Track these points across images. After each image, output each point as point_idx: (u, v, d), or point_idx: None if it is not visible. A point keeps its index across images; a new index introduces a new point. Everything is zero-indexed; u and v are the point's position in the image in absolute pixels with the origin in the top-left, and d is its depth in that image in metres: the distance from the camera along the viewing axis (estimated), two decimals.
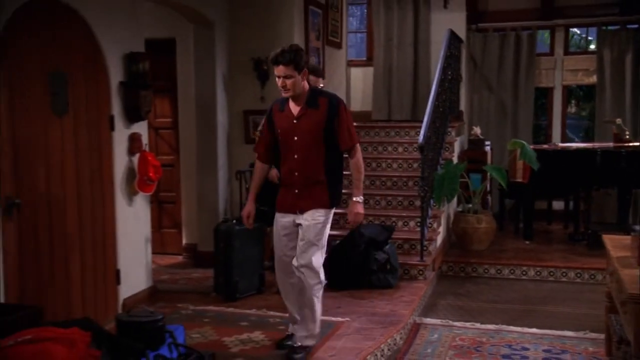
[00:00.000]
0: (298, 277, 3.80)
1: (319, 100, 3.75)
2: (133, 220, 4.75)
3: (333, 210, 3.89)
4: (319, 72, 5.12)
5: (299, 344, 3.87)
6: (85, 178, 4.28)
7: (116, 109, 4.53)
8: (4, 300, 3.58)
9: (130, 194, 4.70)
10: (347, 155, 3.88)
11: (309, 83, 3.83)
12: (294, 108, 3.76)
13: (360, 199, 3.88)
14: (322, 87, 5.05)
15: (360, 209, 3.88)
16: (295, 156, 3.75)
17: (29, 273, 3.83)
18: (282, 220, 3.89)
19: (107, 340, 2.97)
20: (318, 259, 3.80)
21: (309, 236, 3.76)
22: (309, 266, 3.76)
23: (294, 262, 3.80)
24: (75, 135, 4.18)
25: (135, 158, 4.70)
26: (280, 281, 4.02)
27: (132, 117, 4.65)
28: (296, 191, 3.78)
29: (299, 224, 3.81)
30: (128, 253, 4.69)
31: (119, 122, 4.56)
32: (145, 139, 4.82)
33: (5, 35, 3.57)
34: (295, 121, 3.75)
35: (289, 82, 3.64)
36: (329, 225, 3.87)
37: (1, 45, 3.54)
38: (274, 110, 3.87)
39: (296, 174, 3.77)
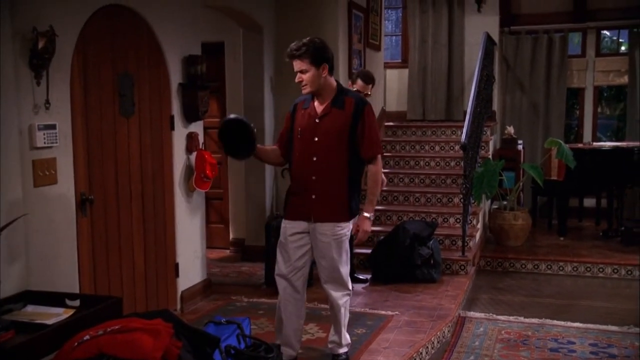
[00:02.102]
0: (328, 294, 3.66)
1: (345, 100, 3.49)
2: (190, 216, 4.94)
3: (351, 222, 3.62)
4: (369, 78, 5.17)
5: (340, 351, 3.80)
6: (148, 176, 4.46)
7: (176, 109, 4.71)
8: (78, 291, 3.78)
9: (188, 191, 4.89)
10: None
11: (338, 82, 3.59)
12: (318, 107, 3.52)
13: (371, 215, 3.59)
14: (369, 94, 5.05)
15: (368, 226, 3.58)
16: (315, 158, 3.49)
17: (99, 266, 4.02)
18: (291, 227, 3.61)
19: (186, 331, 3.09)
20: (346, 271, 3.64)
21: (332, 254, 3.54)
22: (339, 282, 3.63)
23: (322, 281, 3.65)
24: (139, 135, 4.36)
25: (193, 156, 4.88)
26: (286, 300, 3.68)
27: (190, 117, 4.83)
28: (313, 197, 3.52)
29: (312, 233, 3.58)
30: (185, 247, 4.87)
31: (178, 122, 4.73)
32: (201, 138, 5.02)
33: (82, 39, 3.77)
34: (317, 120, 3.49)
35: (304, 76, 3.41)
36: (349, 234, 3.63)
37: (78, 48, 3.73)
38: (298, 106, 3.62)
39: (314, 177, 3.50)
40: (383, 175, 5.20)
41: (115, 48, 4.11)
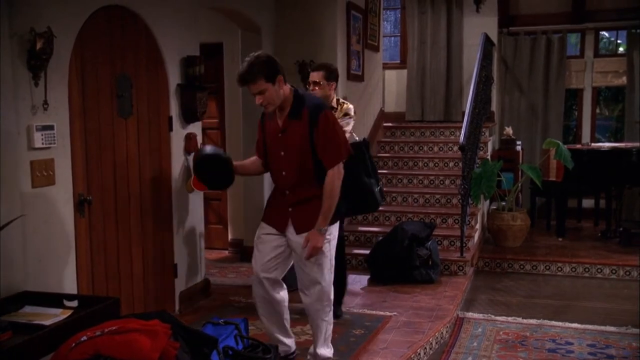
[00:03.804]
0: (305, 304, 3.57)
1: (302, 111, 3.34)
2: (188, 217, 4.93)
3: (335, 225, 3.52)
4: (317, 66, 4.64)
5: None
6: (146, 177, 4.46)
7: (174, 110, 4.71)
8: (76, 292, 3.79)
9: (186, 192, 4.88)
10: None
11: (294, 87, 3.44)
12: (280, 119, 3.42)
13: (323, 229, 3.33)
14: (318, 82, 4.50)
15: (319, 241, 3.31)
16: (284, 173, 3.42)
17: (97, 267, 4.02)
18: (267, 227, 3.54)
19: (183, 331, 3.08)
20: (329, 279, 3.51)
21: (311, 260, 3.43)
22: (319, 292, 3.48)
23: (300, 285, 3.54)
24: (138, 136, 4.36)
25: (191, 157, 4.88)
26: (259, 299, 3.61)
27: (188, 117, 4.84)
28: (290, 209, 3.45)
29: (292, 241, 3.48)
30: (183, 248, 4.87)
31: (176, 123, 4.74)
32: (199, 139, 5.02)
33: (80, 40, 3.77)
34: (280, 135, 3.40)
35: (264, 97, 3.26)
36: (334, 241, 3.51)
37: (76, 49, 3.74)
38: (265, 115, 3.53)
39: (287, 192, 3.43)
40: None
41: (113, 49, 4.11)
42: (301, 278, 3.54)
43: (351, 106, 4.60)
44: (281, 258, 3.56)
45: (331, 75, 4.54)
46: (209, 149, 3.80)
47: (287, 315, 3.73)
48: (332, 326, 3.65)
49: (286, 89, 3.36)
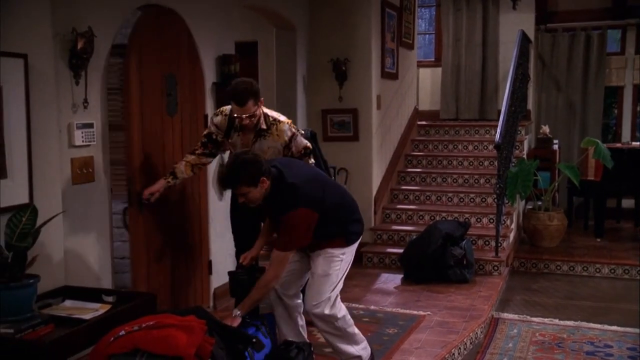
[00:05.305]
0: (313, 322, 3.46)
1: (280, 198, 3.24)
2: (222, 214, 4.96)
3: (353, 246, 3.46)
4: (236, 94, 3.72)
5: None
6: None
7: (210, 108, 4.75)
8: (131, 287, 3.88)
9: (221, 189, 4.92)
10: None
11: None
12: None
13: (238, 313, 3.27)
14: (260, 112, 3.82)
15: (233, 323, 3.25)
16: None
17: (135, 262, 4.08)
18: None
19: (219, 328, 3.09)
20: (332, 297, 3.38)
21: (318, 270, 3.37)
22: (321, 308, 3.35)
23: (306, 304, 3.44)
24: (181, 134, 4.42)
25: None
26: (274, 301, 3.57)
27: None
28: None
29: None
30: (218, 245, 4.91)
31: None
32: None
33: (133, 40, 3.86)
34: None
35: (246, 197, 3.21)
36: (347, 262, 3.44)
37: (130, 49, 3.83)
38: None
39: None
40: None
41: (161, 49, 4.18)
42: (308, 291, 3.45)
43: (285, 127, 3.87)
44: (296, 266, 3.49)
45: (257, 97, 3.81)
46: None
47: (302, 322, 3.67)
48: (352, 327, 3.52)
49: (266, 183, 3.21)
